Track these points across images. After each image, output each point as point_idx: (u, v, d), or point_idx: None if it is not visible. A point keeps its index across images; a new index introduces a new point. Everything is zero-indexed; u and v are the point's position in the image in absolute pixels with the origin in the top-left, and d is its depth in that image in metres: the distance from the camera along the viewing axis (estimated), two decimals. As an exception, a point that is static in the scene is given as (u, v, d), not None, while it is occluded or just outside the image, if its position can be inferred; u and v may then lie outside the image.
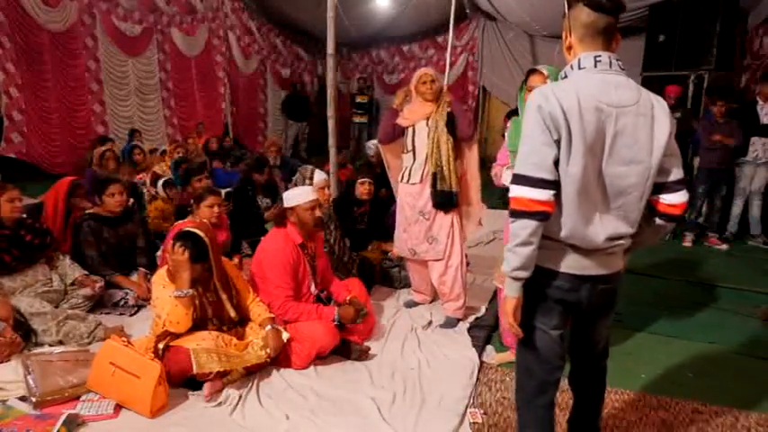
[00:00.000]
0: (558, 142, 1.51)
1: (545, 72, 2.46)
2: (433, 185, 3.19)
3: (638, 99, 1.54)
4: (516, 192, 1.54)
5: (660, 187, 1.62)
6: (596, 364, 1.87)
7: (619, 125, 1.52)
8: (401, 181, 3.34)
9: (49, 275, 3.16)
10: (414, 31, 10.59)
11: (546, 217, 1.52)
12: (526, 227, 1.52)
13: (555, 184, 1.52)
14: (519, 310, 1.62)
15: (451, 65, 7.51)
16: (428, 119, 3.18)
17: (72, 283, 3.21)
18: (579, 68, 1.56)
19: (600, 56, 1.54)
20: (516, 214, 1.54)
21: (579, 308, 1.68)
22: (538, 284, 1.63)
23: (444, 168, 3.15)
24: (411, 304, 3.61)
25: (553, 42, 9.25)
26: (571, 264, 1.61)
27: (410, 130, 3.24)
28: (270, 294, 2.85)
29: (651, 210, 1.66)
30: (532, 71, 2.51)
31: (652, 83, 6.84)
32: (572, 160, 1.50)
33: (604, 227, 1.58)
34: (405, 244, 3.41)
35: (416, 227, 3.30)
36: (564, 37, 1.62)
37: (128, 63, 7.90)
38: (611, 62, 1.54)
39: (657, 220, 1.67)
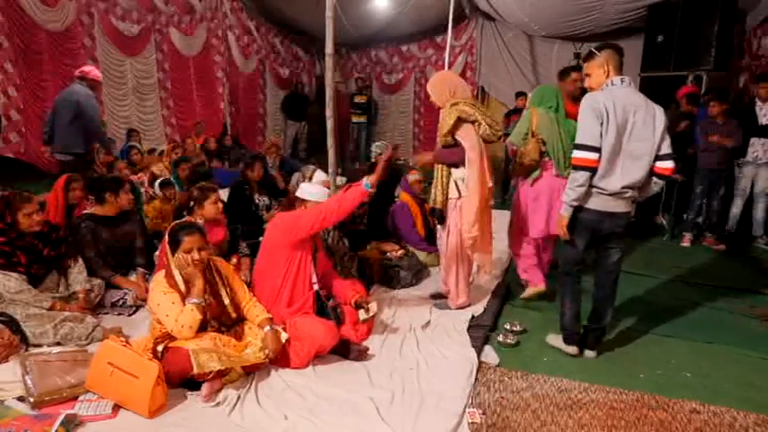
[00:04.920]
0: (601, 125, 2.57)
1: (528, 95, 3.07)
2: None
3: (645, 103, 2.66)
4: (579, 154, 2.62)
5: (657, 158, 2.68)
6: (612, 273, 2.90)
7: (636, 117, 2.61)
8: None
9: (57, 281, 3.13)
10: (412, 31, 10.57)
11: (594, 171, 2.61)
12: (584, 175, 2.62)
13: (600, 150, 2.59)
14: (567, 225, 2.75)
15: (450, 65, 7.50)
16: None
17: (74, 292, 3.15)
18: (612, 85, 2.66)
19: (623, 78, 2.67)
20: (578, 168, 2.63)
21: (601, 232, 2.78)
22: (579, 218, 2.74)
23: (432, 186, 3.37)
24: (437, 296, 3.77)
25: (551, 43, 9.25)
26: (599, 203, 2.70)
27: None
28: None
29: (651, 172, 2.71)
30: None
31: (650, 83, 6.84)
32: (608, 135, 2.59)
33: (622, 178, 2.64)
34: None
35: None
36: (596, 65, 2.70)
37: (126, 63, 7.86)
38: (629, 82, 2.68)
39: (654, 179, 2.74)
